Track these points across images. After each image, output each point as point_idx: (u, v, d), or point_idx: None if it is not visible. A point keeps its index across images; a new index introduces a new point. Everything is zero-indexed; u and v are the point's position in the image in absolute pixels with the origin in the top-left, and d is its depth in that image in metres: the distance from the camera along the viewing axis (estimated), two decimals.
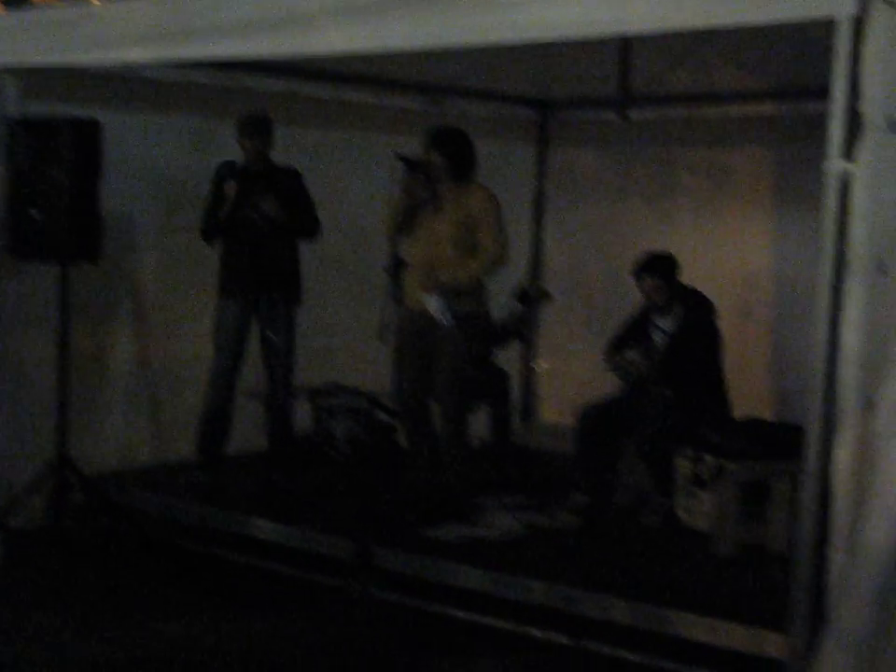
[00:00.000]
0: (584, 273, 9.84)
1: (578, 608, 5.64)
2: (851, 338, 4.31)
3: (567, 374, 9.84)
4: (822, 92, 7.35)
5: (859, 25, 4.26)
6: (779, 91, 8.31)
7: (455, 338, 6.94)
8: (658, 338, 7.19)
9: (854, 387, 4.30)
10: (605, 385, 7.78)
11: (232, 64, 7.16)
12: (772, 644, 4.95)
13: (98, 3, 6.18)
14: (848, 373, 4.31)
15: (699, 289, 7.25)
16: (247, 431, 7.79)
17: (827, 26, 4.40)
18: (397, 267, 6.76)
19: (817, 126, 7.70)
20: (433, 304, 6.85)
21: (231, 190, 7.21)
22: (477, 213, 6.90)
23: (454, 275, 6.87)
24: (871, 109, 4.27)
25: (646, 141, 9.29)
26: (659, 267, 7.14)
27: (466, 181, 6.96)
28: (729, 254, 8.84)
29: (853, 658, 4.25)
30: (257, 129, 7.36)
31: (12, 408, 7.02)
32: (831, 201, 4.35)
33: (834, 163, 4.32)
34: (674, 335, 7.12)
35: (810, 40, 5.97)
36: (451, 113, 9.13)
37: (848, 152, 4.33)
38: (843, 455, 4.30)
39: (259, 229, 7.24)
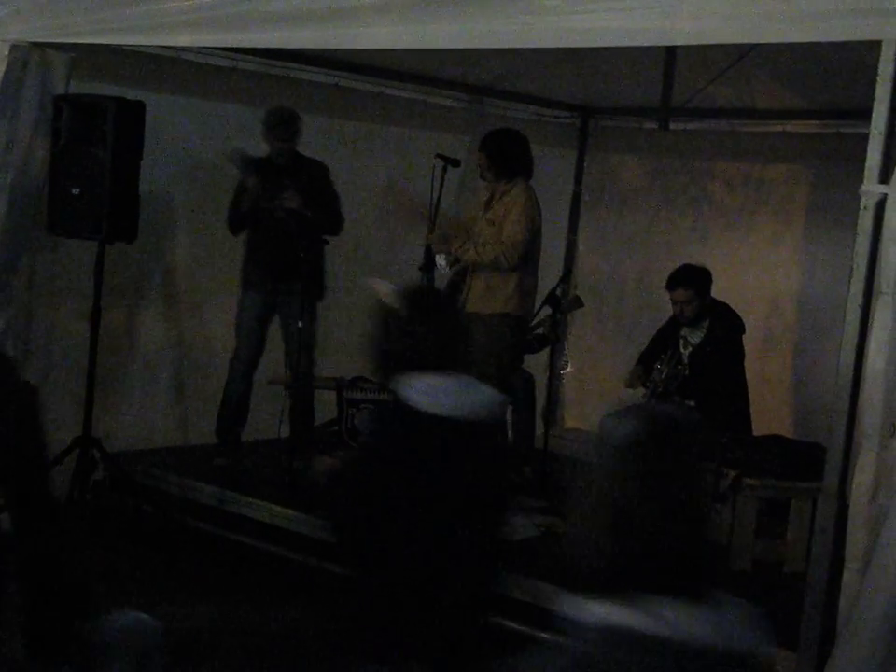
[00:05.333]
0: (615, 280, 9.85)
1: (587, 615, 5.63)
2: (877, 361, 4.31)
3: (592, 381, 9.85)
4: (862, 114, 7.44)
5: None
6: (819, 111, 8.31)
7: (486, 342, 7.01)
8: (685, 350, 7.20)
9: (878, 410, 4.29)
10: (629, 393, 7.79)
11: (279, 54, 7.21)
12: (782, 663, 4.94)
13: None
14: (873, 396, 4.31)
15: (729, 305, 7.25)
16: (267, 419, 7.80)
17: (871, 49, 4.41)
18: (431, 264, 6.79)
19: (853, 147, 7.80)
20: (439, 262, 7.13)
21: (251, 183, 7.23)
22: (507, 209, 6.99)
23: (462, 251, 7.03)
24: None
25: (684, 152, 9.29)
26: (693, 279, 7.15)
27: (512, 180, 7.01)
28: (756, 271, 8.84)
29: None
30: (284, 127, 7.36)
31: (43, 382, 7.07)
32: (865, 223, 4.35)
33: (871, 186, 4.32)
34: (699, 348, 7.13)
35: (853, 62, 6.00)
36: (492, 113, 9.17)
37: (885, 175, 4.32)
38: (863, 478, 4.30)
39: (281, 222, 7.25)
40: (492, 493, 3.47)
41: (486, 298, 7.09)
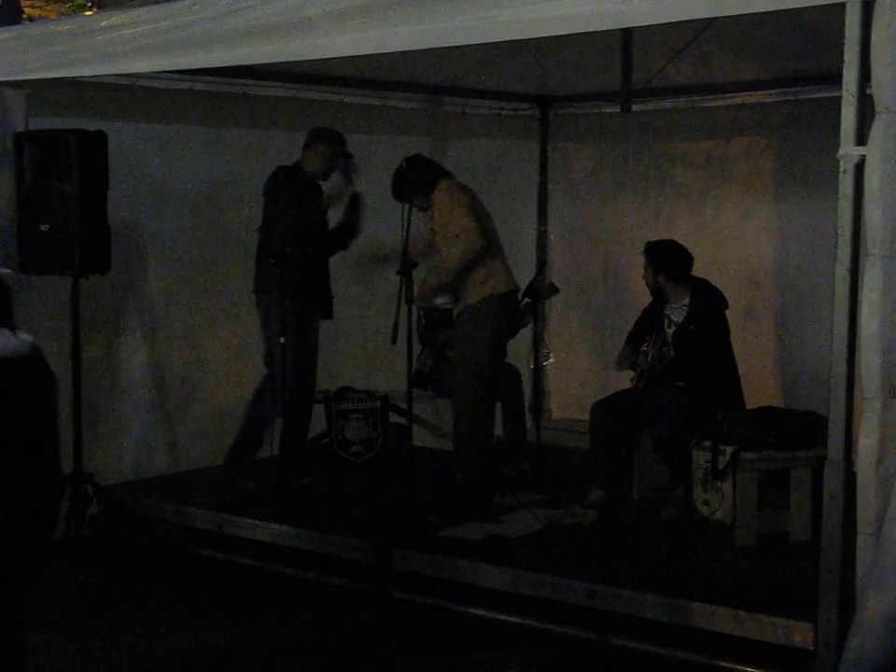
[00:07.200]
0: (588, 269, 9.84)
1: (601, 603, 5.63)
2: (871, 324, 4.30)
3: (574, 369, 9.85)
4: (819, 79, 7.47)
5: (867, 10, 4.25)
6: (777, 80, 8.32)
7: (463, 338, 7.05)
8: (669, 329, 7.19)
9: (877, 373, 4.29)
10: (611, 379, 7.78)
11: (236, 71, 7.17)
12: (800, 633, 4.93)
13: (99, 14, 6.19)
14: (870, 360, 4.30)
15: (709, 281, 7.25)
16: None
17: (826, 13, 4.42)
18: (408, 269, 6.78)
19: (814, 112, 7.84)
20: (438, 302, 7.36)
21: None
22: (438, 212, 7.06)
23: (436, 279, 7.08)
24: (881, 93, 4.27)
25: (647, 135, 9.29)
26: (650, 252, 7.19)
27: (433, 191, 7.04)
28: (731, 246, 8.84)
29: (884, 644, 4.24)
30: (341, 143, 7.43)
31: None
32: (846, 186, 4.34)
33: (849, 149, 4.31)
34: (682, 327, 7.12)
35: (806, 28, 6.01)
36: (451, 111, 9.16)
37: (861, 137, 4.32)
38: (868, 442, 4.29)
39: (319, 239, 7.31)
40: (42, 414, 4.22)
41: (464, 295, 7.14)
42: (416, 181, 7.11)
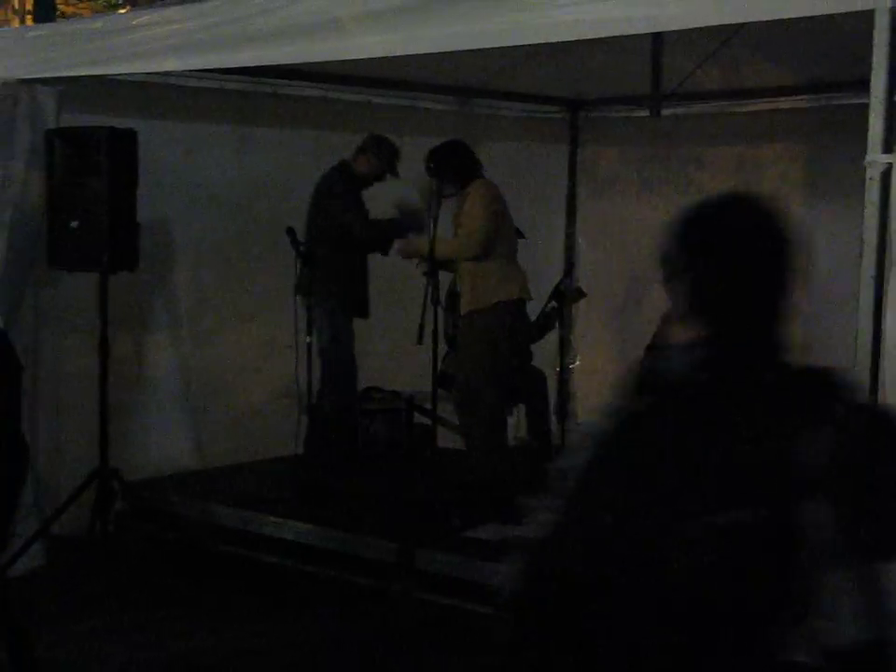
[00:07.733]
0: (617, 273, 9.81)
1: None
2: (895, 334, 4.28)
3: (600, 373, 9.83)
4: (851, 85, 7.43)
5: None
6: (808, 86, 8.29)
7: (474, 343, 7.12)
8: None
9: None
10: None
11: (266, 71, 7.21)
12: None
13: (131, 12, 6.23)
14: (894, 367, 4.28)
15: None
16: (282, 435, 7.77)
17: (859, 19, 4.39)
18: (435, 270, 6.79)
19: (845, 118, 7.79)
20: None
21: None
22: (467, 207, 7.07)
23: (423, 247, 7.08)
24: None
25: (676, 140, 9.26)
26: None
27: (471, 184, 7.06)
28: None
29: None
30: (391, 157, 7.58)
31: (54, 416, 7.07)
32: (872, 194, 4.32)
33: (876, 156, 4.30)
34: None
35: (839, 33, 5.99)
36: (480, 114, 9.17)
37: (889, 144, 4.30)
38: None
39: (356, 241, 7.49)
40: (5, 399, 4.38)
41: (475, 296, 7.14)
42: (462, 166, 7.11)
